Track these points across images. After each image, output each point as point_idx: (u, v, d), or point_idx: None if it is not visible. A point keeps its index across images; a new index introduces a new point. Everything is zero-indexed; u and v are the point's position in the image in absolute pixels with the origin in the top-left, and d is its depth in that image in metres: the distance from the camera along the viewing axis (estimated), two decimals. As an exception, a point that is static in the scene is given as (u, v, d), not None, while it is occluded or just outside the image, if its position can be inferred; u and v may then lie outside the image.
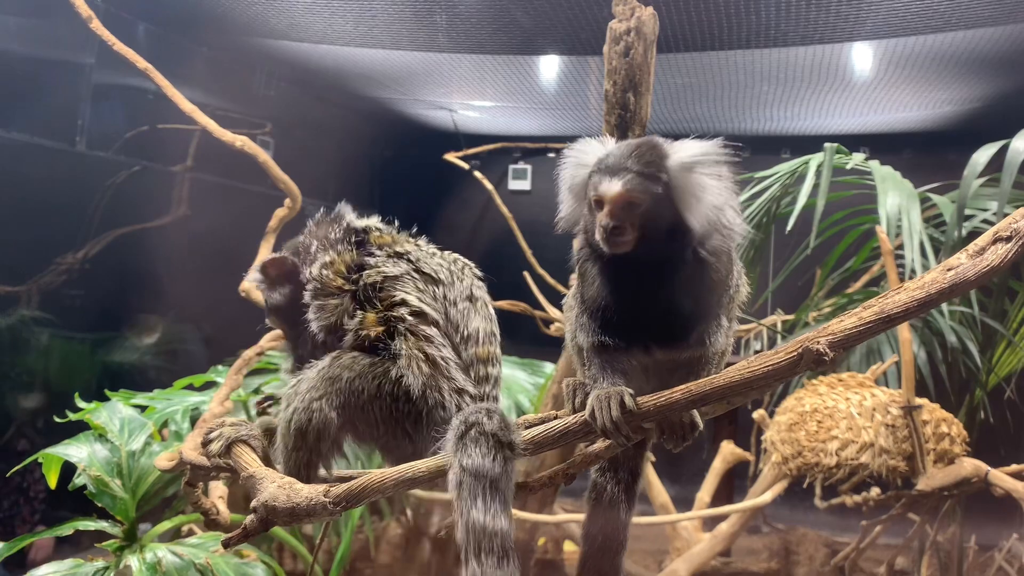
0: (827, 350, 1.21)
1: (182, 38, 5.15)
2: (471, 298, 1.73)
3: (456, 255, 1.82)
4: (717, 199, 1.36)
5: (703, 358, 1.46)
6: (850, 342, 1.24)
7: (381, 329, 1.62)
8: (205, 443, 1.69)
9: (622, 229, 1.33)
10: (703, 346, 1.44)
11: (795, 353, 1.24)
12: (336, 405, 1.56)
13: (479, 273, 1.80)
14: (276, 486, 1.45)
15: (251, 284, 1.82)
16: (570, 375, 3.28)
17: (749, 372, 1.27)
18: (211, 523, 2.12)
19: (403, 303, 1.64)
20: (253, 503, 1.44)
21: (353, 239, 1.77)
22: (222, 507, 2.16)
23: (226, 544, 1.51)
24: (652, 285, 1.39)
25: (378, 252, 1.74)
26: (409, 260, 1.73)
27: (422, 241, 1.85)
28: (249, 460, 1.57)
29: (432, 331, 1.63)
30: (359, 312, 1.65)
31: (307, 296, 1.70)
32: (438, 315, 1.65)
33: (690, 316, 1.42)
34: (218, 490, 2.24)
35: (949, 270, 1.32)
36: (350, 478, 1.77)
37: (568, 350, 1.65)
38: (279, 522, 1.44)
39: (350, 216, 1.84)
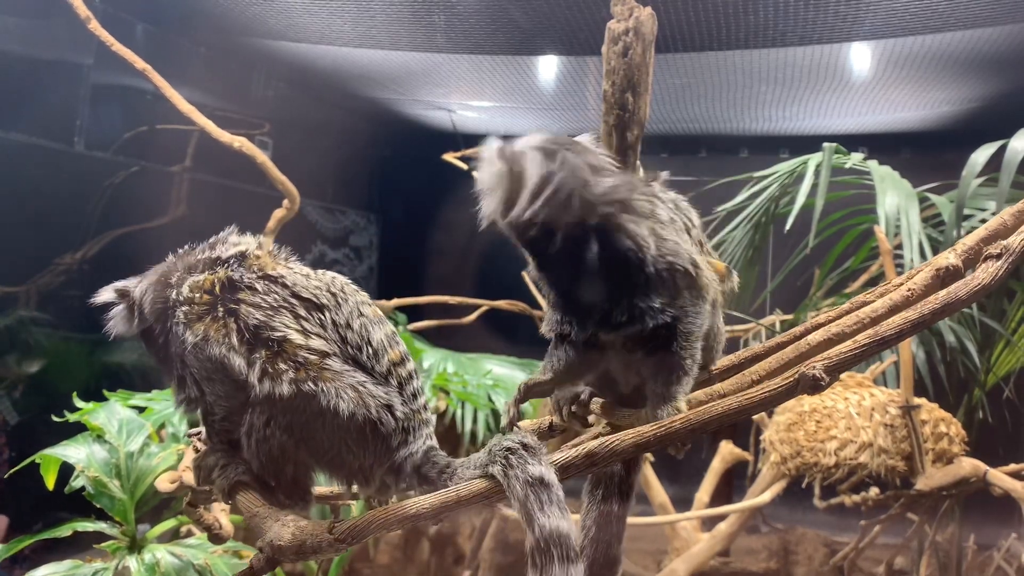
0: (823, 375, 1.23)
1: (180, 38, 5.15)
2: (363, 314, 1.63)
3: (332, 273, 1.68)
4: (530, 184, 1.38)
5: (668, 354, 1.44)
6: (846, 366, 1.26)
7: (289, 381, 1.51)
8: (202, 483, 1.67)
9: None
10: (633, 327, 1.42)
11: (792, 379, 1.26)
12: (285, 435, 1.54)
13: (356, 287, 1.69)
14: (280, 524, 1.46)
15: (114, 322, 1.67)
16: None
17: (747, 399, 1.29)
18: (214, 538, 2.12)
19: (286, 341, 1.53)
20: (259, 543, 1.46)
21: (227, 262, 1.64)
22: (225, 521, 2.16)
23: None
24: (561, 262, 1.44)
25: (248, 274, 1.60)
26: (284, 285, 1.60)
27: (295, 263, 1.70)
28: (252, 500, 1.56)
29: (334, 363, 1.54)
30: (252, 360, 1.52)
31: (178, 321, 1.56)
32: (332, 344, 1.56)
33: (605, 295, 1.42)
34: (220, 504, 2.25)
35: (937, 269, 1.32)
36: (336, 496, 1.78)
37: None
38: (285, 560, 1.45)
39: (228, 241, 1.72)
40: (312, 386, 1.50)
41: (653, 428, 1.33)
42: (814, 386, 1.23)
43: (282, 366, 1.51)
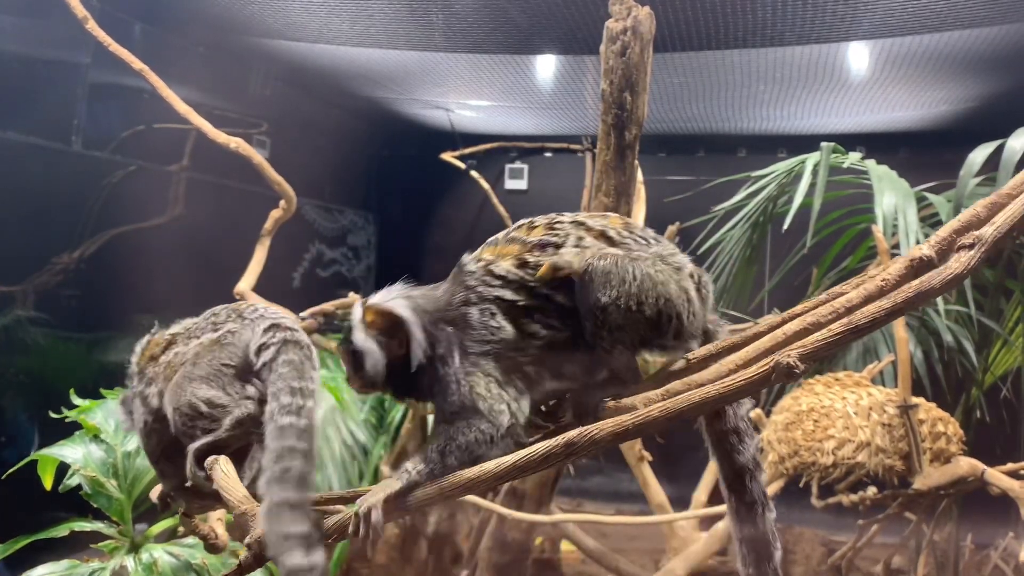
0: (798, 363, 1.24)
1: (178, 38, 5.14)
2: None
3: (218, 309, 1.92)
4: None
5: None
6: (820, 353, 1.27)
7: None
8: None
9: None
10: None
11: (767, 367, 1.26)
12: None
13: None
14: None
15: None
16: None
17: (724, 387, 1.29)
18: (211, 547, 2.12)
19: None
20: (247, 540, 1.45)
21: None
22: (220, 530, 2.16)
23: None
24: None
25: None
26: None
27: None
28: (242, 497, 1.57)
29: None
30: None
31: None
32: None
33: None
34: (216, 513, 2.25)
35: (911, 260, 1.33)
36: (340, 499, 1.78)
37: None
38: (272, 557, 1.45)
39: None
40: None
41: (631, 417, 1.33)
42: (789, 374, 1.24)
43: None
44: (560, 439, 1.35)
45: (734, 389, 1.28)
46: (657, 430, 1.32)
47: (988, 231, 1.28)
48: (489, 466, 1.40)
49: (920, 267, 1.31)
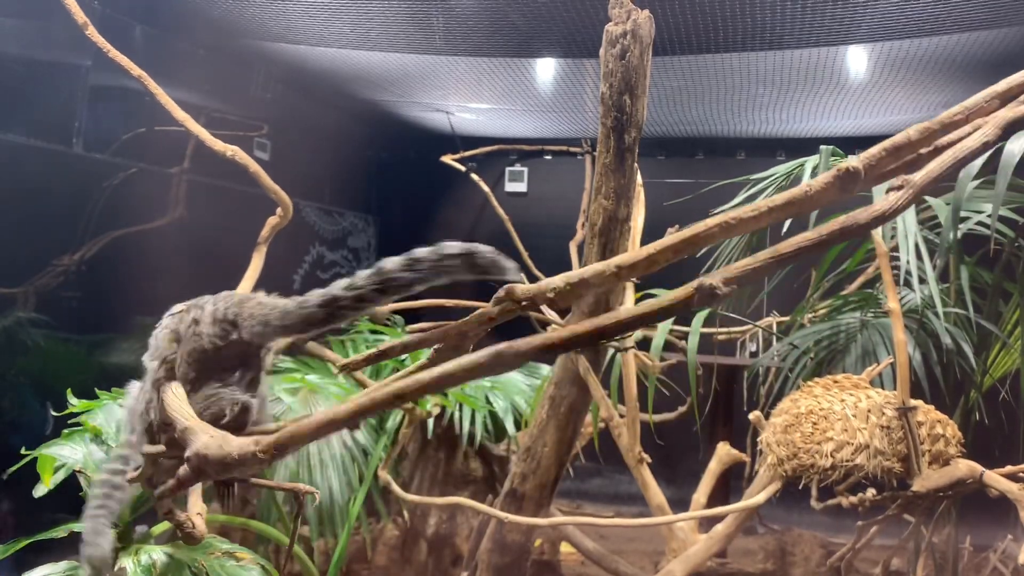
0: (720, 284, 1.27)
1: (179, 40, 5.15)
2: None
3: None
4: None
5: None
6: (744, 279, 1.30)
7: None
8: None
9: None
10: None
11: (691, 290, 1.30)
12: None
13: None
14: (209, 436, 1.49)
15: None
16: (565, 378, 3.28)
17: (648, 308, 1.33)
18: (187, 536, 2.12)
19: None
20: (187, 453, 1.48)
21: None
22: (199, 522, 2.14)
23: (160, 496, 1.56)
24: None
25: None
26: None
27: None
28: (186, 413, 1.63)
29: None
30: None
31: None
32: None
33: None
34: (196, 506, 2.25)
35: (838, 170, 1.37)
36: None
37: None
38: (211, 472, 1.47)
39: None
40: None
41: (561, 333, 1.37)
42: (711, 296, 1.27)
43: None
44: (490, 350, 1.37)
45: (658, 309, 1.32)
46: (585, 345, 1.35)
47: (918, 177, 1.34)
48: (424, 376, 1.41)
49: (846, 178, 1.35)
